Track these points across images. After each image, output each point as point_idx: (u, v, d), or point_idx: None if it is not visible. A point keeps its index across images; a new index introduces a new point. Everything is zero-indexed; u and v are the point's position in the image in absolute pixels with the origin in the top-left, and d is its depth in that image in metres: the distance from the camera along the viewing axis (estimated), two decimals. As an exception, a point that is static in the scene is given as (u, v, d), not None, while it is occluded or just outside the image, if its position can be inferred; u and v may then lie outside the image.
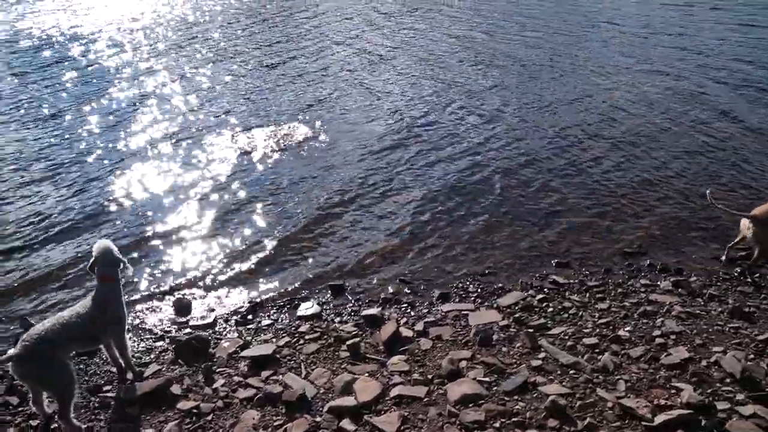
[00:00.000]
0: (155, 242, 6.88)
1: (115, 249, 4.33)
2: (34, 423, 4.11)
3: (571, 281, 5.65)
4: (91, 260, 4.23)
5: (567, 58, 14.19)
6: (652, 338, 4.60)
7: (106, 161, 9.01)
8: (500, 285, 5.67)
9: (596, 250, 6.29)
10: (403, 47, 15.65)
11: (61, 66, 14.47)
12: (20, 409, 4.27)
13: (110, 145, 9.60)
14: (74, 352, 4.69)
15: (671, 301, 5.20)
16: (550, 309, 5.12)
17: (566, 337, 4.66)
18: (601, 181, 7.91)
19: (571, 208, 7.20)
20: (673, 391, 3.97)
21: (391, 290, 5.79)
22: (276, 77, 13.21)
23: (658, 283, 5.59)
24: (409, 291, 5.74)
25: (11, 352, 3.76)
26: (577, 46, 15.48)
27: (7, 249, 6.71)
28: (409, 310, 5.38)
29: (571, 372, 4.23)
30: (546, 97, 11.40)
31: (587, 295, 5.38)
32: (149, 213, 7.50)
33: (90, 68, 14.36)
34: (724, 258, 5.96)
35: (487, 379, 4.19)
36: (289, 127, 10.19)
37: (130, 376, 4.57)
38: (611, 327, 4.80)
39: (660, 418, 3.66)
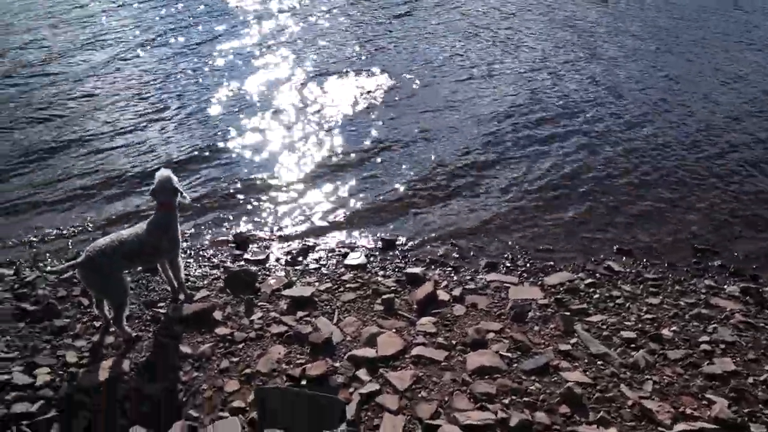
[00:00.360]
0: (239, 178, 7.30)
1: (175, 179, 4.59)
2: (97, 324, 4.59)
3: (627, 270, 5.37)
4: (152, 187, 4.54)
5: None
6: (698, 343, 4.33)
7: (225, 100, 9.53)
8: (551, 263, 5.51)
9: (665, 241, 5.90)
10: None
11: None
12: (89, 310, 4.75)
13: (229, 84, 10.08)
14: (133, 269, 5.14)
15: (733, 308, 4.83)
16: (596, 295, 4.93)
17: (604, 327, 4.49)
18: (693, 167, 7.31)
19: (651, 194, 6.74)
20: (704, 403, 3.76)
21: (440, 252, 5.78)
22: (405, 30, 12.87)
23: (725, 286, 5.19)
24: (458, 255, 5.71)
25: (75, 261, 4.18)
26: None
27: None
28: (452, 274, 5.37)
29: (599, 363, 4.09)
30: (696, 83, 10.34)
31: (640, 287, 5.11)
32: (246, 153, 7.89)
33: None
34: None
35: (509, 354, 4.16)
36: (405, 82, 10.15)
37: (181, 296, 4.94)
38: (655, 324, 4.56)
39: (679, 427, 3.51)
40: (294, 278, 5.32)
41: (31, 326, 4.55)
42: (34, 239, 6.14)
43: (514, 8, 13.91)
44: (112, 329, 4.44)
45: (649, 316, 4.66)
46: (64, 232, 6.23)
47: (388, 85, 9.77)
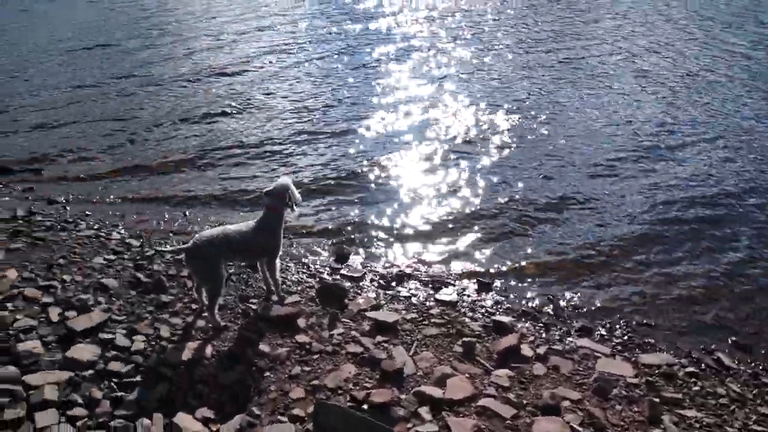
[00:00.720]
0: (362, 198, 7.71)
1: (292, 188, 4.84)
2: (194, 306, 4.96)
3: (741, 368, 4.79)
4: (267, 189, 4.83)
5: None
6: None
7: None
8: (652, 340, 5.06)
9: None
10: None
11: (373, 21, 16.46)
12: (190, 292, 5.15)
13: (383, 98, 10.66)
14: (235, 263, 5.49)
15: None
16: (696, 388, 4.44)
17: (697, 425, 4.03)
18: None
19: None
20: None
21: (535, 304, 5.56)
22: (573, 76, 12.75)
23: None
24: (552, 312, 5.46)
25: (184, 246, 4.57)
26: None
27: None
28: (541, 331, 5.13)
29: (682, 464, 3.70)
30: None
31: (754, 391, 4.54)
32: (381, 177, 8.31)
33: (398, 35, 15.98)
34: None
35: (581, 429, 3.88)
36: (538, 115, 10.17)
37: (274, 297, 5.19)
38: (765, 440, 4.02)
39: None
40: (383, 302, 5.38)
41: (140, 296, 5.03)
42: (166, 221, 6.82)
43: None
44: (205, 315, 4.76)
45: (758, 428, 4.11)
46: (195, 227, 6.84)
47: (541, 132, 9.68)
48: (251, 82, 12.95)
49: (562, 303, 5.61)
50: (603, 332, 5.19)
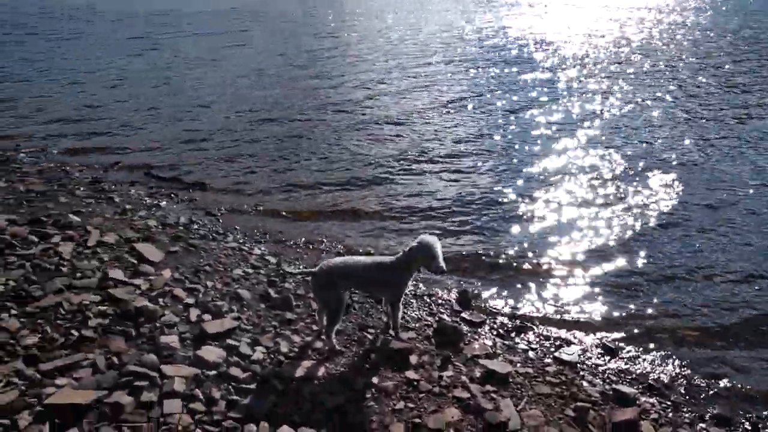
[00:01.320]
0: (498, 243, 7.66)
1: (436, 251, 4.62)
2: (314, 327, 5.22)
3: None
4: (411, 246, 4.73)
5: None
6: None
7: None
8: (807, 449, 4.40)
9: None
10: None
11: (520, 66, 16.67)
12: (313, 313, 5.42)
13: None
14: (357, 292, 5.68)
15: None
16: None
17: None
18: None
19: None
20: None
21: (664, 379, 5.09)
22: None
23: None
24: (685, 390, 4.95)
25: (310, 269, 4.86)
26: None
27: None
28: (668, 410, 4.67)
29: None
30: None
31: None
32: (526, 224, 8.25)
33: (547, 75, 16.03)
34: None
35: None
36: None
37: (391, 332, 5.28)
38: None
39: None
40: (498, 351, 5.26)
41: (268, 310, 5.39)
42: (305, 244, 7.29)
43: None
44: (323, 337, 4.98)
45: None
46: (328, 245, 7.24)
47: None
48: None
49: (699, 382, 5.08)
50: (747, 426, 4.59)
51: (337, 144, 11.63)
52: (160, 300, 5.19)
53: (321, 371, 4.57)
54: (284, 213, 8.56)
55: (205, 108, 14.69)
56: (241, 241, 7.20)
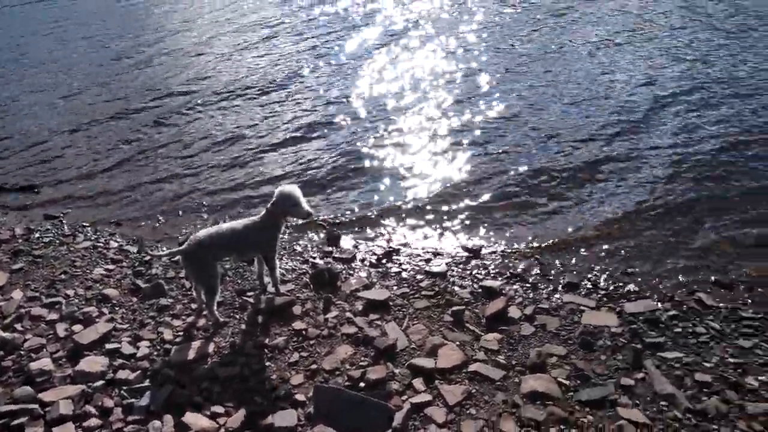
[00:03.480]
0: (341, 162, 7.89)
1: (297, 198, 4.72)
2: (194, 306, 5.18)
3: (722, 305, 4.97)
4: (273, 199, 4.77)
5: None
6: (787, 398, 3.96)
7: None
8: (637, 289, 5.23)
9: (780, 276, 5.37)
10: None
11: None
12: (189, 292, 5.36)
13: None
14: (231, 259, 5.68)
15: (841, 358, 4.32)
16: (678, 329, 4.64)
17: (677, 365, 4.24)
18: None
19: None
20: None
21: (522, 266, 5.73)
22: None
23: (838, 334, 4.63)
24: (539, 271, 5.62)
25: (176, 249, 4.75)
26: None
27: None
28: (529, 291, 5.31)
29: (662, 403, 3.89)
30: None
31: (733, 326, 4.72)
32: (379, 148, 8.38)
33: None
34: None
35: (567, 382, 4.09)
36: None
37: (270, 288, 5.38)
38: (740, 371, 4.21)
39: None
40: (374, 280, 5.57)
41: (141, 302, 5.25)
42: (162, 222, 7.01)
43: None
44: (205, 313, 4.98)
45: (734, 360, 4.31)
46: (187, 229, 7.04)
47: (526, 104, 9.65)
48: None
49: (550, 262, 5.78)
50: (589, 285, 5.35)
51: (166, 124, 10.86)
52: (17, 325, 4.86)
53: (211, 347, 4.61)
54: (131, 196, 8.09)
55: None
56: (93, 238, 6.77)
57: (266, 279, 5.35)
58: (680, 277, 5.39)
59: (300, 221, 6.15)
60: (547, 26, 13.07)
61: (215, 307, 4.86)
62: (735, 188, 6.62)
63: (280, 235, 5.11)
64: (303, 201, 4.76)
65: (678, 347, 4.46)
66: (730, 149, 7.39)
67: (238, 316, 5.05)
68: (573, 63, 10.78)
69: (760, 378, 4.14)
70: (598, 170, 7.29)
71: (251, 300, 5.27)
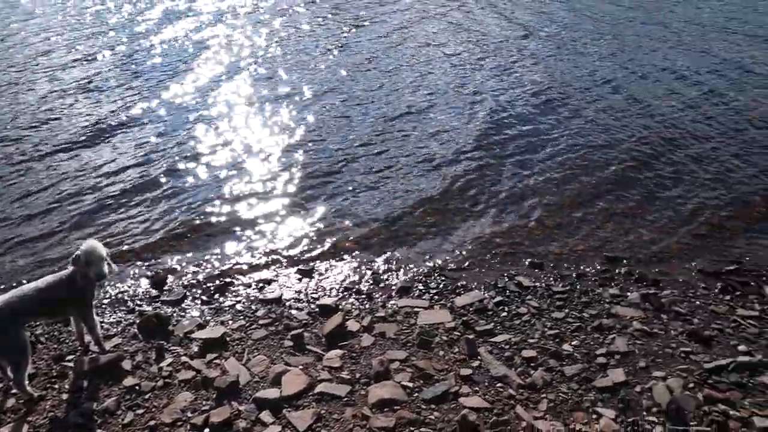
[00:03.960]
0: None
1: (100, 255, 4.31)
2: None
3: (537, 284, 5.52)
4: (77, 254, 4.29)
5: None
6: (594, 356, 4.48)
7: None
8: (463, 283, 5.61)
9: (577, 251, 6.10)
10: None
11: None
12: (-9, 368, 4.63)
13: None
14: (38, 323, 5.07)
15: (633, 315, 5.02)
16: (504, 314, 5.06)
17: (507, 347, 4.61)
18: (609, 176, 7.55)
19: (565, 202, 6.97)
20: (594, 417, 3.90)
21: (354, 278, 5.84)
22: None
23: (628, 294, 5.37)
24: (371, 280, 5.77)
25: None
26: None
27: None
28: (365, 302, 5.43)
29: (498, 385, 4.21)
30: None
31: (548, 301, 5.26)
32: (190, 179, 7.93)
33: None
34: None
35: (411, 384, 4.24)
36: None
37: (93, 347, 4.85)
38: (558, 340, 4.70)
39: (568, 445, 3.63)
40: (208, 318, 5.31)
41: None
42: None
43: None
44: (13, 391, 4.35)
45: (552, 331, 4.79)
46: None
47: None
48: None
49: (381, 269, 5.96)
50: (420, 287, 5.62)
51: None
52: None
53: (25, 429, 4.04)
54: None
55: None
56: None
57: (87, 338, 4.83)
58: (501, 265, 5.89)
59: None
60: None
61: (26, 381, 4.26)
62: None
63: (95, 290, 4.65)
64: (104, 258, 4.34)
65: (506, 330, 4.86)
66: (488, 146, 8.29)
67: (57, 386, 4.48)
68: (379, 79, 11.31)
69: (573, 343, 4.65)
70: (413, 175, 7.74)
71: (71, 365, 4.71)
